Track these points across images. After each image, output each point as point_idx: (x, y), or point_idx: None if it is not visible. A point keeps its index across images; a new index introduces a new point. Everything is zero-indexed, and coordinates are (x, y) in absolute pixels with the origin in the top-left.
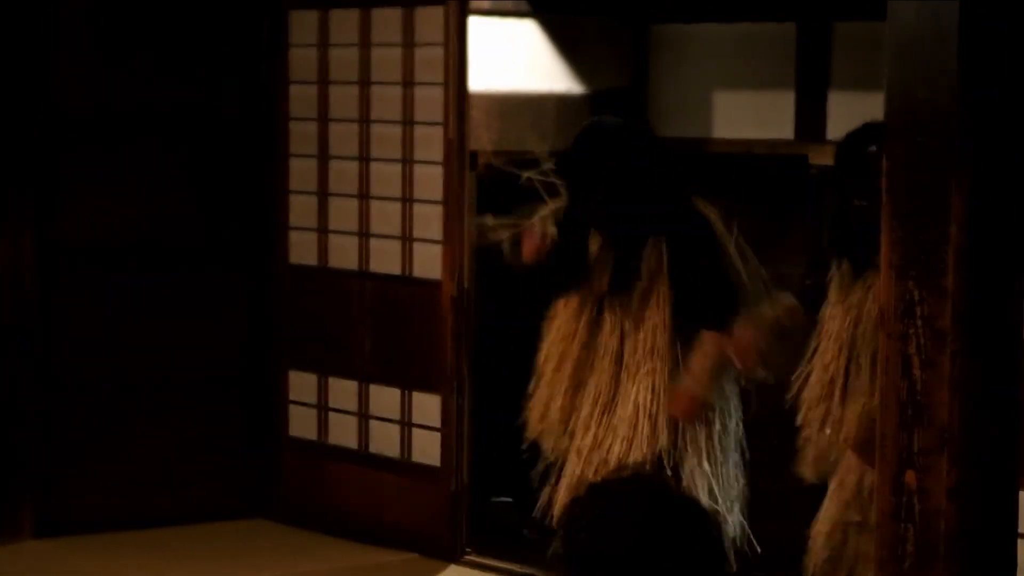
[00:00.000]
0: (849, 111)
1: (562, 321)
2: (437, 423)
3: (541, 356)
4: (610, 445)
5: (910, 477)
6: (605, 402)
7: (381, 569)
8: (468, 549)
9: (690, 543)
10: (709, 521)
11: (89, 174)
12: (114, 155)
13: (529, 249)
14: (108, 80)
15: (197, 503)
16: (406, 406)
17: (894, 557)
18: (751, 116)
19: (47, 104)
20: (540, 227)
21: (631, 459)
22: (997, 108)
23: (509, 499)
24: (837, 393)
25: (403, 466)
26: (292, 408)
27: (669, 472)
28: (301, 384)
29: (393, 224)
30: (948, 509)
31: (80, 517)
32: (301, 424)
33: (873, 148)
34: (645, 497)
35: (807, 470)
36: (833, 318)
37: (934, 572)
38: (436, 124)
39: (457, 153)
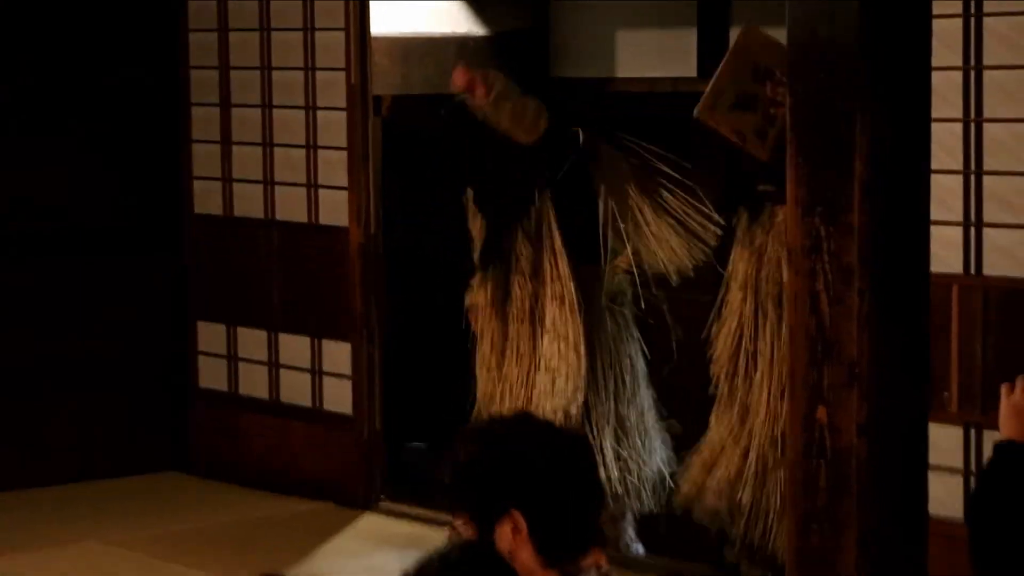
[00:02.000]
0: None
1: (481, 294)
2: (348, 371)
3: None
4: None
5: (821, 413)
6: (527, 362)
7: (296, 518)
8: (382, 496)
9: (566, 474)
10: (585, 454)
11: None
12: (17, 141)
13: (479, 95)
14: (9, 67)
15: (107, 458)
16: (316, 355)
17: (807, 493)
18: (653, 55)
19: None
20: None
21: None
22: (899, 43)
23: (422, 444)
24: (747, 337)
25: (315, 415)
26: (201, 359)
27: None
28: (210, 335)
29: (298, 171)
30: (859, 444)
31: None
32: (211, 375)
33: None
34: (523, 429)
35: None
36: (737, 265)
37: (846, 508)
38: (339, 70)
39: (360, 98)
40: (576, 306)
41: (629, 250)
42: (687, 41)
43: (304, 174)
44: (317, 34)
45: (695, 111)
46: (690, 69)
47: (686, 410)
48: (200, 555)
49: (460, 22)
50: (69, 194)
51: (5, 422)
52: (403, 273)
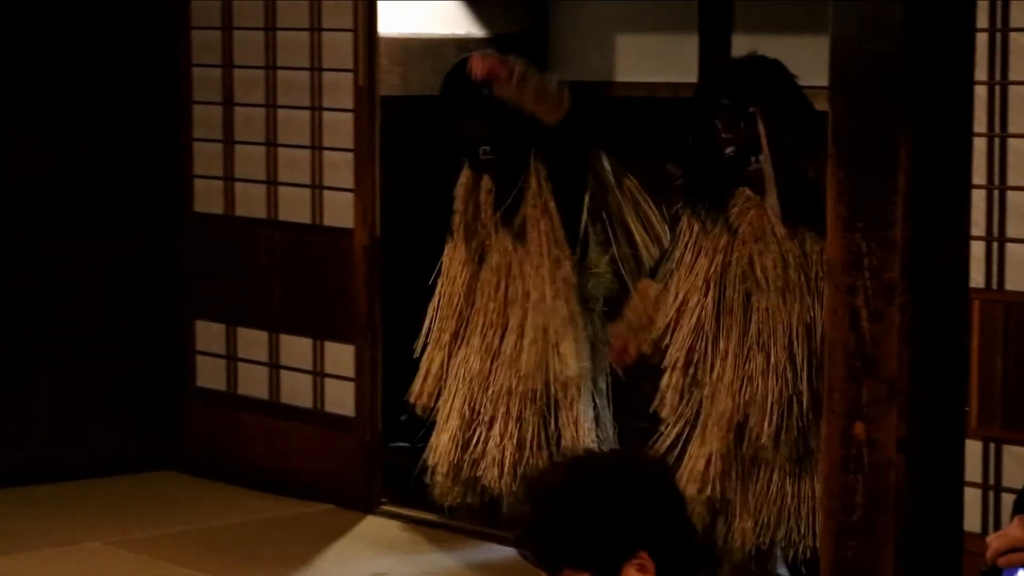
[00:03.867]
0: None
1: (448, 269)
2: (351, 373)
3: (433, 306)
4: (497, 373)
5: (859, 429)
6: (492, 336)
7: (297, 521)
8: (383, 499)
9: (674, 502)
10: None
11: None
12: (12, 107)
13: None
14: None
15: (104, 456)
16: (318, 356)
17: (843, 508)
18: (654, 59)
19: None
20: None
21: (520, 387)
22: (942, 58)
23: (406, 444)
24: (706, 337)
25: (316, 416)
26: (200, 359)
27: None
28: (209, 334)
29: (302, 172)
30: (897, 460)
31: None
32: (209, 375)
33: (726, 101)
34: (616, 469)
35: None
36: (698, 263)
37: (883, 522)
38: (346, 71)
39: (367, 99)
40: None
41: (606, 256)
42: (688, 46)
43: (308, 174)
44: (324, 34)
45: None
46: (691, 74)
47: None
48: (202, 557)
49: (459, 23)
50: (58, 180)
51: None
52: (394, 273)
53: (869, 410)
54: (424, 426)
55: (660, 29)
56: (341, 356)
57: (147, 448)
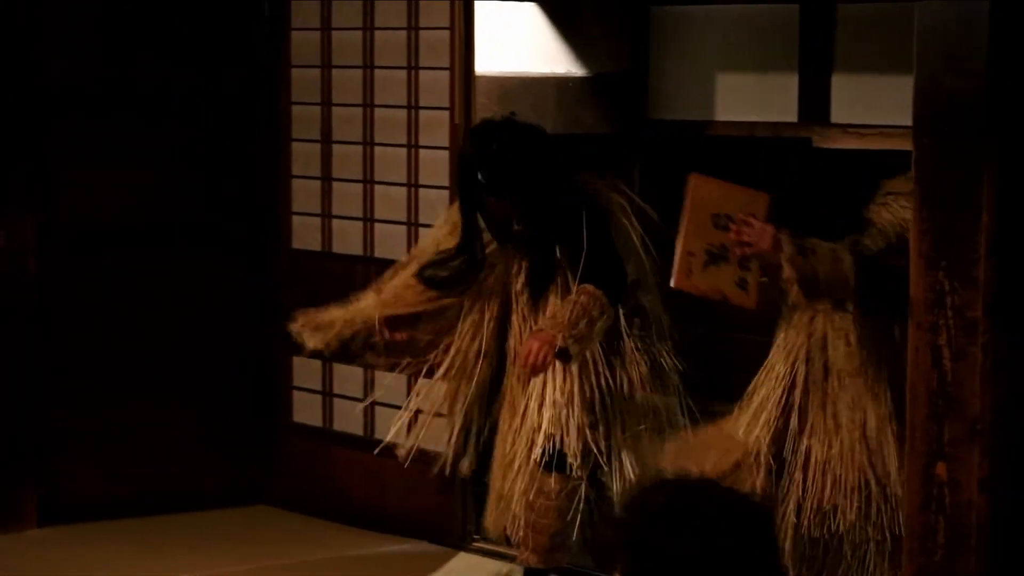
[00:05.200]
0: (852, 92)
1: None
2: (444, 409)
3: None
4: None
5: (940, 469)
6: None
7: (391, 557)
8: (476, 536)
9: (774, 548)
10: (768, 528)
11: (87, 156)
12: (113, 137)
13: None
14: (105, 61)
15: (198, 489)
16: (412, 392)
17: (924, 549)
18: (753, 98)
19: (43, 87)
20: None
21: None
22: None
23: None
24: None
25: (409, 451)
26: (296, 394)
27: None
28: (305, 370)
29: (398, 209)
30: (980, 500)
31: (82, 504)
32: (305, 410)
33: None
34: (723, 501)
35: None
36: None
37: (965, 563)
38: (442, 108)
39: (464, 137)
40: None
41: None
42: (788, 85)
43: (404, 211)
44: (421, 72)
45: (671, 282)
46: (791, 114)
47: None
48: None
49: (559, 62)
50: (159, 212)
51: (92, 448)
52: None
53: (951, 450)
54: None
55: (760, 68)
56: (434, 391)
57: (242, 482)
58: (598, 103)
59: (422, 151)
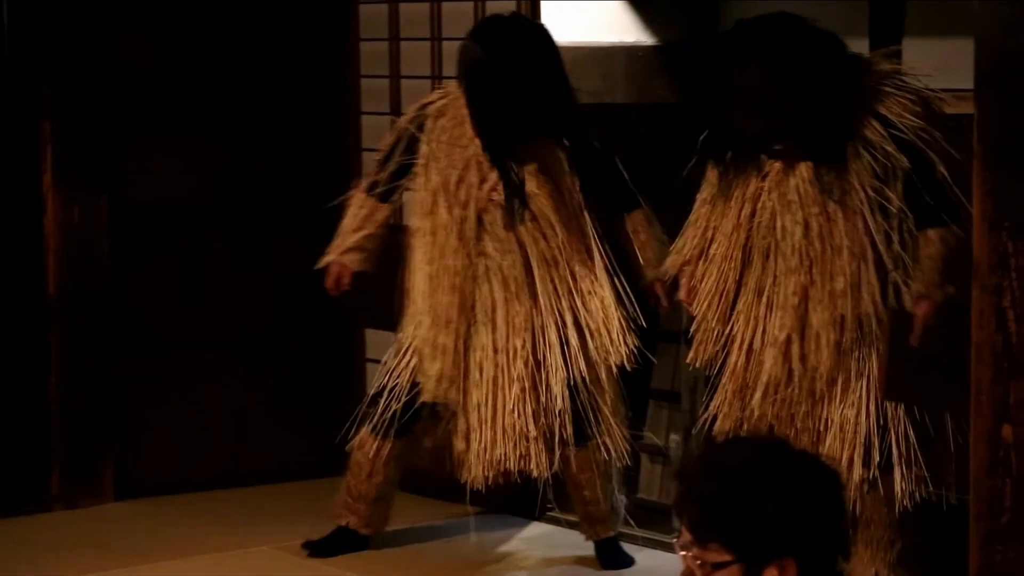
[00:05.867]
0: (922, 58)
1: (430, 245)
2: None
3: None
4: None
5: (1007, 431)
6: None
7: (464, 526)
8: (549, 504)
9: (839, 522)
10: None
11: (156, 135)
12: (181, 116)
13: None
14: (173, 41)
15: (272, 463)
16: None
17: (991, 512)
18: None
19: (117, 67)
20: (336, 272)
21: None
22: None
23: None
24: (729, 287)
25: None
26: (369, 366)
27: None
28: (378, 342)
29: None
30: None
31: (159, 478)
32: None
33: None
34: (798, 466)
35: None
36: (725, 212)
37: None
38: None
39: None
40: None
41: None
42: (858, 48)
43: None
44: None
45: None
46: None
47: None
48: (367, 561)
49: (628, 31)
50: (228, 191)
51: (166, 424)
52: None
53: (1017, 412)
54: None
55: None
56: None
57: (317, 454)
58: (668, 72)
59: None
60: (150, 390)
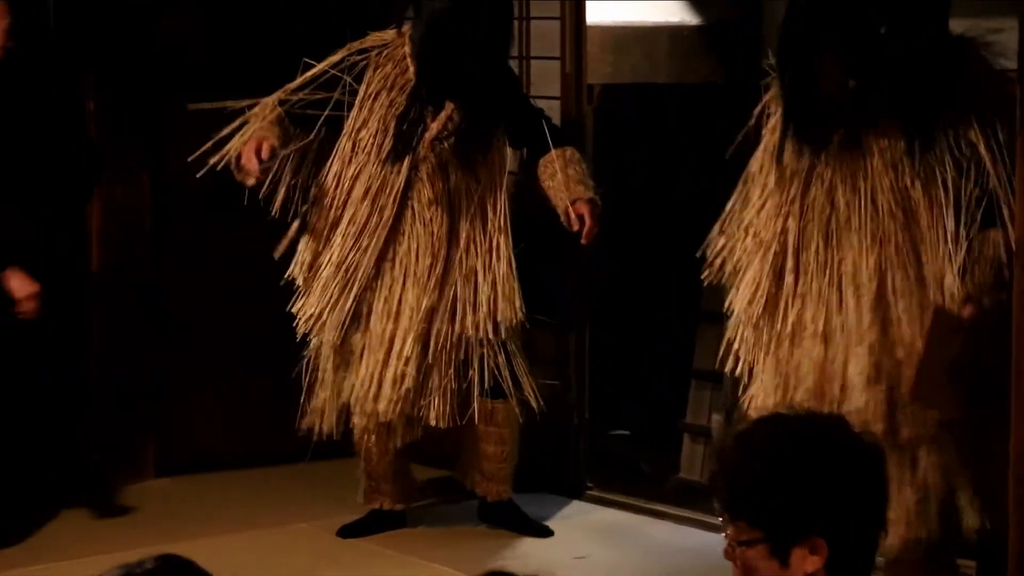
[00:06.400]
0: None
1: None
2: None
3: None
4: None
5: None
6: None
7: None
8: (590, 484)
9: (878, 502)
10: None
11: (195, 115)
12: (220, 97)
13: (247, 165)
14: (212, 21)
15: (307, 442)
16: (526, 341)
17: None
18: None
19: (155, 49)
20: (255, 143)
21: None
22: None
23: (626, 432)
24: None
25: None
26: None
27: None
28: None
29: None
30: None
31: (199, 456)
32: None
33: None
34: (837, 444)
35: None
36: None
37: None
38: (553, 59)
39: (575, 87)
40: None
41: None
42: None
43: (515, 161)
44: (532, 23)
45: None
46: None
47: None
48: (405, 538)
49: (672, 11)
50: None
51: (205, 403)
52: (604, 256)
53: None
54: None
55: None
56: (549, 342)
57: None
58: (711, 52)
59: (534, 101)
60: (191, 368)
